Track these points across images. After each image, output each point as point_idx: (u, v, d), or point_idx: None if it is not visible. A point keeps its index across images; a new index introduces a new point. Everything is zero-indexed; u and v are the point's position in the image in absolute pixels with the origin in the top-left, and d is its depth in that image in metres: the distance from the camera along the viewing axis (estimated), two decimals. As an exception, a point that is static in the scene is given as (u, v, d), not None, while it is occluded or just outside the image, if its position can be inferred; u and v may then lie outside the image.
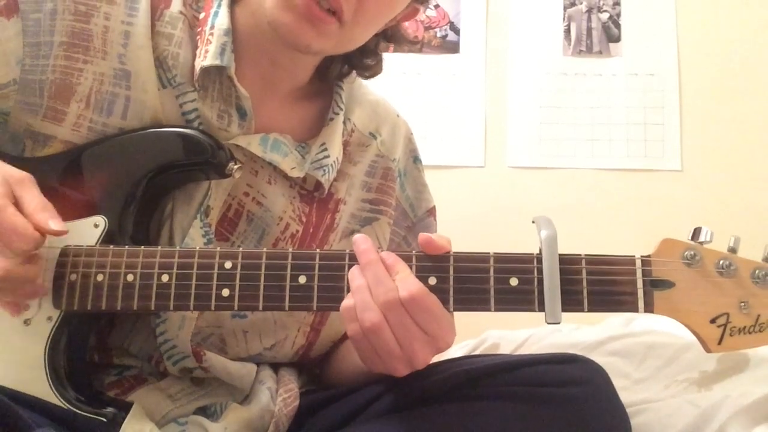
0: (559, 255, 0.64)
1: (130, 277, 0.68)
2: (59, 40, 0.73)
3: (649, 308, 0.65)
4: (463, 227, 1.45)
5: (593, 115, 1.67)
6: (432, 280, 0.66)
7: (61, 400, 0.67)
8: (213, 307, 0.67)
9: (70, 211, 0.71)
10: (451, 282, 0.65)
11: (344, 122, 0.86)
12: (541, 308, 0.64)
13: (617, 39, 1.69)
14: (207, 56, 0.75)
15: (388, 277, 0.64)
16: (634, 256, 0.66)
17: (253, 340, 0.79)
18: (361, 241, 0.66)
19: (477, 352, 1.11)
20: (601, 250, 0.66)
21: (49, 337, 0.69)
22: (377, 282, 0.63)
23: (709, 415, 0.70)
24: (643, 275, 0.65)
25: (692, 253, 0.66)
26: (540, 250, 0.65)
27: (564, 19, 1.70)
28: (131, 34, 0.75)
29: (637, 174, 1.64)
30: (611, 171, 1.64)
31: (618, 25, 1.70)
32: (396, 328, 0.63)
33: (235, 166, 0.74)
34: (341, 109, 0.86)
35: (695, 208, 1.59)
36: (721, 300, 0.65)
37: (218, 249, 0.68)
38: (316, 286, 0.66)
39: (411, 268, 0.65)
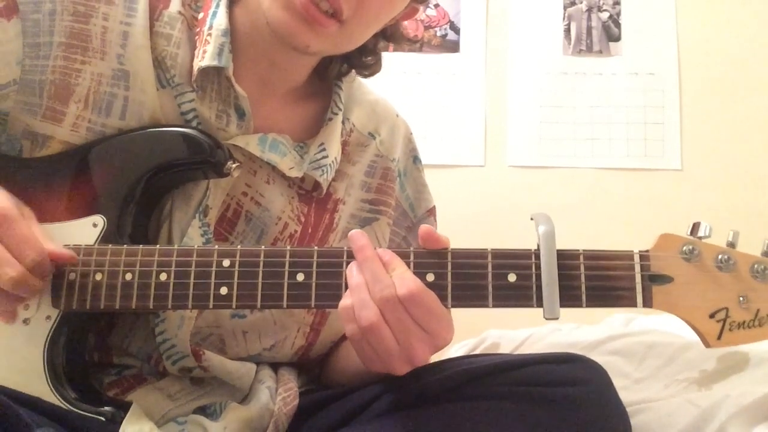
0: (557, 250, 0.64)
1: (128, 277, 0.68)
2: (58, 40, 0.73)
3: (647, 303, 0.65)
4: (464, 226, 1.45)
5: (593, 114, 1.67)
6: (430, 277, 0.65)
7: (60, 399, 0.67)
8: (211, 306, 0.67)
9: (68, 210, 0.71)
10: (449, 278, 0.65)
11: (343, 122, 0.86)
12: (540, 304, 0.64)
13: (617, 38, 1.69)
14: (205, 57, 0.75)
15: (386, 273, 0.63)
16: (632, 251, 0.66)
17: (252, 340, 0.79)
18: (358, 237, 0.66)
19: (477, 352, 1.10)
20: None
21: (48, 336, 0.69)
22: (374, 279, 0.63)
23: (709, 414, 0.69)
24: (642, 270, 0.65)
25: (691, 247, 0.65)
26: (538, 245, 0.65)
27: (564, 18, 1.70)
28: (130, 35, 0.75)
29: (637, 173, 1.64)
30: (611, 170, 1.64)
31: (618, 25, 1.69)
32: (394, 326, 0.63)
33: (234, 165, 0.74)
34: (340, 109, 0.85)
35: (695, 208, 1.59)
36: (720, 294, 0.65)
37: (216, 247, 0.68)
38: (314, 284, 0.66)
39: (409, 265, 0.65)
